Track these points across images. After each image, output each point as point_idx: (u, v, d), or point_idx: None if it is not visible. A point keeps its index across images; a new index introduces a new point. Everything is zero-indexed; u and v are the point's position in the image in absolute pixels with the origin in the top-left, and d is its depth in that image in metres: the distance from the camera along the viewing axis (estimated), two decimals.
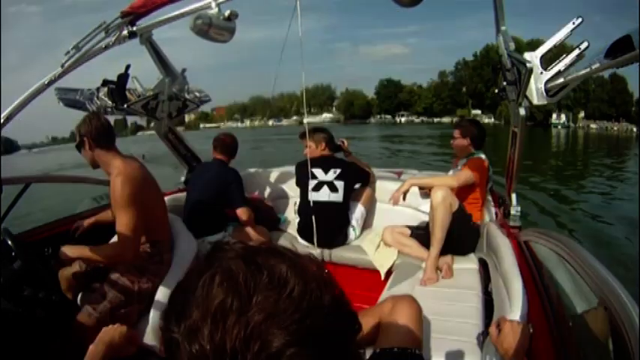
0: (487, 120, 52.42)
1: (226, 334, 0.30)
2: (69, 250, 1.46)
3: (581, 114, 47.17)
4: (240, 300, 0.32)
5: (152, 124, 2.43)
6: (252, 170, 3.09)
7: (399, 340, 0.71)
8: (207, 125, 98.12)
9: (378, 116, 74.92)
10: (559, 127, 42.50)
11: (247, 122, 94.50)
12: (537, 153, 16.35)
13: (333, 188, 2.28)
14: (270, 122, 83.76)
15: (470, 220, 2.07)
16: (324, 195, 2.28)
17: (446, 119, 57.66)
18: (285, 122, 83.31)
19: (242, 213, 2.21)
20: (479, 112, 59.36)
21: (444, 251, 1.96)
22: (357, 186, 2.46)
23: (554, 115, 44.78)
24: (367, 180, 2.49)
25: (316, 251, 2.27)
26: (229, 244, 0.39)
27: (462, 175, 2.11)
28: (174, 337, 0.33)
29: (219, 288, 0.33)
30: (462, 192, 2.16)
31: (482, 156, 2.21)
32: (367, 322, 0.80)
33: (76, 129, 1.57)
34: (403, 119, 68.62)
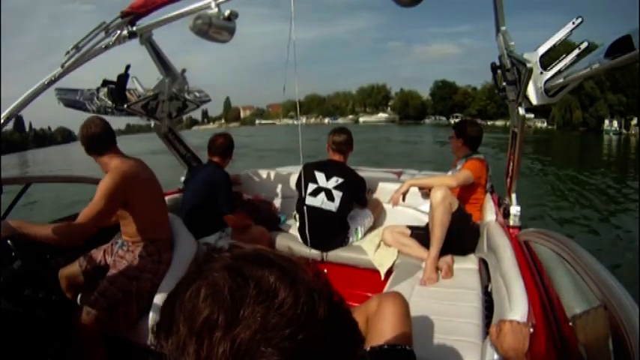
0: (540, 124, 48.45)
1: (212, 351, 0.29)
2: (12, 223, 1.33)
3: (634, 121, 43.75)
4: (226, 315, 0.30)
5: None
6: (252, 170, 3.09)
7: (387, 338, 0.71)
8: (263, 122, 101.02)
9: (433, 117, 73.98)
10: (611, 133, 40.20)
11: (303, 119, 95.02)
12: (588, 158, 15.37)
13: (329, 196, 2.25)
14: (326, 120, 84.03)
15: (470, 220, 2.07)
16: (320, 201, 2.25)
17: (500, 122, 54.36)
18: (340, 120, 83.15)
19: (228, 220, 2.22)
20: (532, 115, 56.37)
21: (444, 251, 1.96)
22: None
23: (607, 122, 42.86)
24: (364, 201, 2.46)
25: (316, 252, 2.27)
26: (220, 254, 0.37)
27: (461, 174, 2.11)
28: (163, 352, 0.31)
29: (205, 302, 0.31)
30: (462, 192, 2.16)
31: (481, 156, 2.22)
32: None
33: (81, 144, 1.58)
34: (457, 120, 67.03)
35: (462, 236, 2.03)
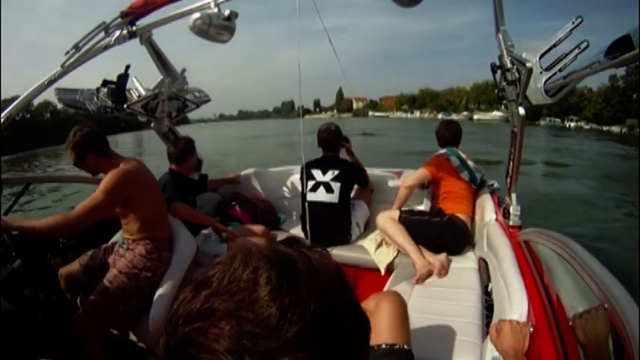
0: None
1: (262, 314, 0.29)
2: (9, 220, 1.38)
3: None
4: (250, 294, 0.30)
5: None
6: (252, 170, 3.09)
7: (385, 337, 0.71)
8: (377, 114, 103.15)
9: (548, 119, 66.49)
10: None
11: (417, 113, 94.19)
12: None
13: (328, 189, 2.28)
14: (440, 115, 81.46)
15: (437, 216, 2.14)
16: (320, 196, 2.28)
17: (615, 128, 47.00)
18: (454, 116, 79.24)
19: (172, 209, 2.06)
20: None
21: (439, 251, 2.00)
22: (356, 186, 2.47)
23: None
24: (365, 183, 2.50)
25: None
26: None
27: (416, 174, 2.25)
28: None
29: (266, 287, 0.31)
30: (433, 190, 2.30)
31: (442, 151, 2.29)
32: None
33: (72, 148, 1.52)
34: (572, 124, 59.17)
35: (430, 231, 2.08)
